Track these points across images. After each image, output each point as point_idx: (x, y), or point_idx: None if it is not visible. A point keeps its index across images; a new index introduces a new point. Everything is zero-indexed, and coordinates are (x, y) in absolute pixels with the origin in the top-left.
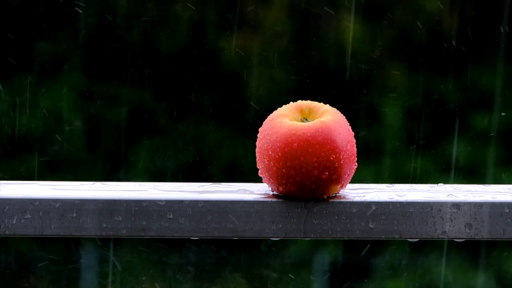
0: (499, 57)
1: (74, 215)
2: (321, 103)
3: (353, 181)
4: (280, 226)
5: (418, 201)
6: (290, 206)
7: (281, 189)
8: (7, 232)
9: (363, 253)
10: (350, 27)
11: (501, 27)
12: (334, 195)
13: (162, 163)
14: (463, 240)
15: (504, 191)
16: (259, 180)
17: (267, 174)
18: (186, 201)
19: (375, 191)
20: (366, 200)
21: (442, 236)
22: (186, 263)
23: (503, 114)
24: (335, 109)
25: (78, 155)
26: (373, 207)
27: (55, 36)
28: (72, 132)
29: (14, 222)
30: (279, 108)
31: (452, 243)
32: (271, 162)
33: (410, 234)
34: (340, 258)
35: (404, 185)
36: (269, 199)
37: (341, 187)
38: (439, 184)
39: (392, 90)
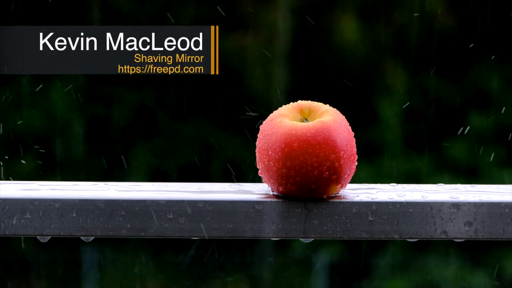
0: (499, 56)
1: (74, 215)
2: (321, 103)
3: (353, 181)
4: (280, 226)
5: (418, 201)
6: (290, 206)
7: (281, 189)
8: (7, 232)
9: (363, 253)
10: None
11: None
12: (334, 195)
13: (162, 163)
14: (463, 240)
15: (504, 191)
16: (259, 180)
17: (267, 174)
18: (186, 201)
19: (375, 191)
20: (366, 200)
21: (442, 236)
22: (186, 263)
23: (502, 113)
24: (335, 109)
25: (78, 155)
26: (373, 207)
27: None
28: (72, 132)
29: (14, 222)
30: (279, 108)
31: (451, 243)
32: (271, 162)
33: (410, 234)
34: (340, 258)
35: (404, 185)
36: (269, 199)
37: (341, 187)
38: (439, 184)
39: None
